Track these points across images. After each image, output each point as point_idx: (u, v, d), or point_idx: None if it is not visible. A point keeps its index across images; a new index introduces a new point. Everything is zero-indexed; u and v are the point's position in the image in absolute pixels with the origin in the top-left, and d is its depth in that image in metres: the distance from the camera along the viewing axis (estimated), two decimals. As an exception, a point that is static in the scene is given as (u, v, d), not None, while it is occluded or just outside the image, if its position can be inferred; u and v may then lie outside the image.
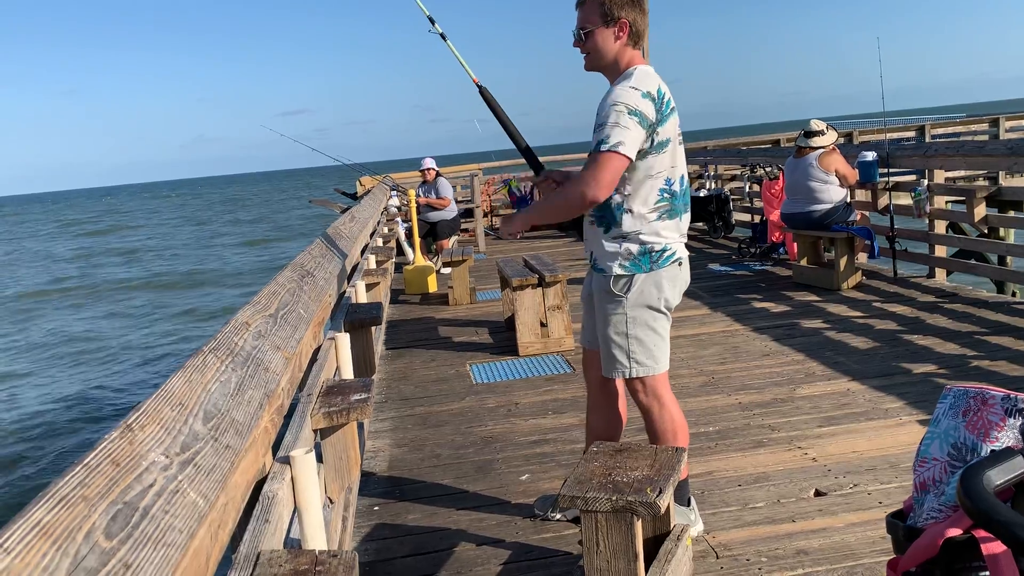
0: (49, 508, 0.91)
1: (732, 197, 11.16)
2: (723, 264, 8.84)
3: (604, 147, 2.58)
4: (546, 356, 5.74)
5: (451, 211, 10.57)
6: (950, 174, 10.16)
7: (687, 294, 7.03)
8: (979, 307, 6.06)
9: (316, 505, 1.89)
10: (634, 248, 2.72)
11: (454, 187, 12.00)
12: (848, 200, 7.20)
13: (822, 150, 7.07)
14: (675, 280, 2.78)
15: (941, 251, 7.41)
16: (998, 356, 4.82)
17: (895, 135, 16.58)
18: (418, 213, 9.84)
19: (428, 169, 10.54)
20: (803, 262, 7.48)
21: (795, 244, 7.72)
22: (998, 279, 9.55)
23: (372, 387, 2.51)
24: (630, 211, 2.70)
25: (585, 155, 2.78)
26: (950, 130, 17.67)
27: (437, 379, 5.41)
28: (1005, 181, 12.03)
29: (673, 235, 2.76)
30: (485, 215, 13.75)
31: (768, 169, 9.17)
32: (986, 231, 7.79)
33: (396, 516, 3.35)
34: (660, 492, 2.24)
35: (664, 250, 2.73)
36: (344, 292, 4.28)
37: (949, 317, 5.83)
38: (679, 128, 2.78)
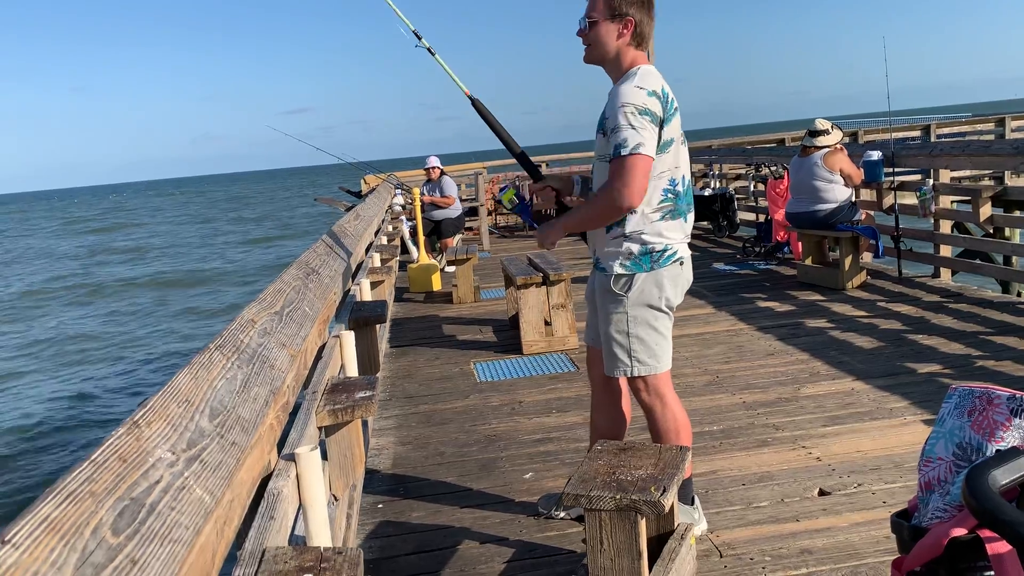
0: (57, 504, 0.91)
1: (737, 196, 11.15)
2: (727, 263, 8.83)
3: (625, 151, 2.57)
4: (550, 355, 5.74)
5: (455, 209, 10.58)
6: (955, 174, 10.12)
7: (691, 293, 7.05)
8: (984, 307, 6.05)
9: (321, 502, 1.89)
10: (635, 248, 2.72)
11: (459, 185, 12.00)
12: (853, 199, 7.18)
13: (827, 149, 7.06)
14: (676, 279, 2.78)
15: (946, 251, 7.39)
16: (1003, 356, 4.81)
17: (900, 134, 16.54)
18: (422, 211, 9.84)
19: (433, 167, 10.55)
20: (808, 261, 7.47)
21: (800, 243, 7.71)
22: (1003, 279, 9.52)
23: (377, 385, 2.52)
24: (632, 211, 2.70)
25: (589, 154, 2.79)
26: (955, 130, 17.63)
27: (441, 377, 5.41)
28: (1011, 181, 12.00)
29: (676, 235, 2.76)
30: (489, 214, 13.75)
31: (773, 168, 9.15)
32: (991, 231, 7.78)
33: (400, 514, 3.36)
34: (664, 491, 2.24)
35: (665, 250, 2.73)
36: (349, 290, 4.28)
37: (954, 317, 5.82)
38: (681, 128, 2.78)
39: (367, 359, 3.85)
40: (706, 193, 10.96)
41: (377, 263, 6.22)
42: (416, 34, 3.15)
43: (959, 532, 1.29)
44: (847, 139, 11.51)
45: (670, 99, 2.68)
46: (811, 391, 4.46)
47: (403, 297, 8.59)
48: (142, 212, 78.99)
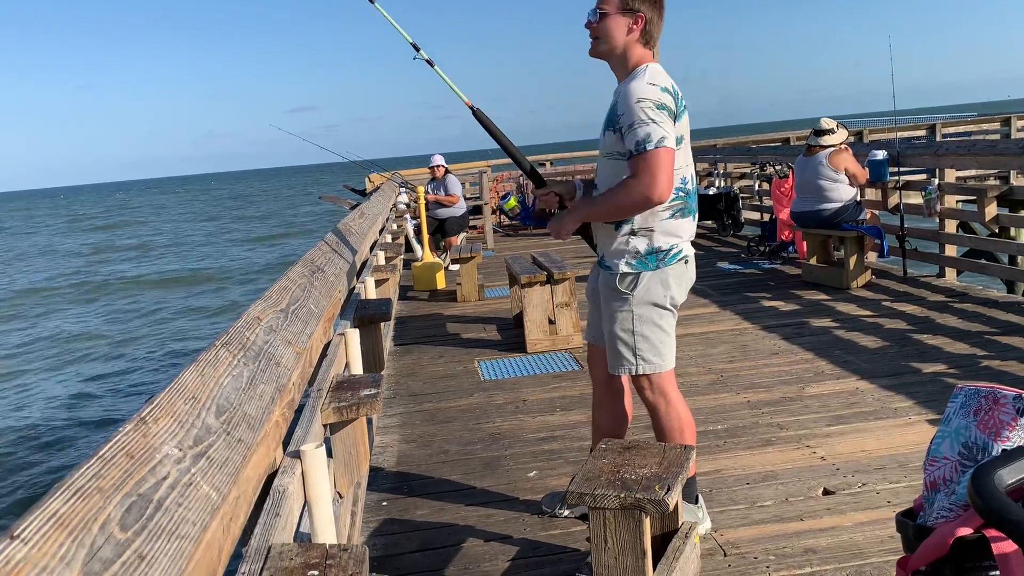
0: (65, 499, 0.92)
1: (741, 195, 11.14)
2: (732, 262, 8.82)
3: (651, 145, 2.56)
4: (554, 353, 5.74)
5: (460, 208, 10.58)
6: (961, 173, 10.11)
7: (696, 292, 7.05)
8: (989, 307, 6.03)
9: (326, 499, 1.90)
10: (642, 247, 2.72)
11: (463, 184, 12.00)
12: (858, 199, 7.17)
13: (832, 149, 7.05)
14: (681, 278, 2.79)
15: (951, 250, 7.37)
16: (1008, 356, 4.80)
17: (905, 134, 16.50)
18: (427, 210, 9.85)
19: (437, 166, 10.55)
20: (813, 261, 7.46)
21: (804, 243, 7.70)
22: (1009, 279, 9.50)
23: (381, 382, 2.52)
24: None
25: (592, 152, 2.79)
26: (961, 129, 17.58)
27: (445, 375, 5.42)
28: (1016, 180, 11.96)
29: (684, 234, 2.77)
30: (493, 212, 13.75)
31: (778, 167, 9.14)
32: (997, 231, 7.76)
33: (404, 511, 3.37)
34: (668, 490, 2.24)
35: (671, 248, 2.73)
36: (354, 288, 4.29)
37: (959, 317, 5.81)
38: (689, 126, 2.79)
39: (372, 357, 3.86)
40: (710, 192, 10.94)
41: (382, 261, 6.23)
42: (415, 46, 3.14)
43: (965, 532, 1.29)
44: (852, 138, 11.49)
45: (680, 96, 2.68)
46: (815, 390, 4.45)
47: (407, 295, 8.59)
48: (147, 210, 79.15)
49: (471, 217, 11.73)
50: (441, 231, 10.52)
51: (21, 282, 28.28)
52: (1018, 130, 16.46)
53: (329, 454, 2.35)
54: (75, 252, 39.10)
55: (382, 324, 4.39)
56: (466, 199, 11.19)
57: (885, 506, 3.07)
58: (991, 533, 1.24)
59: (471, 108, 3.00)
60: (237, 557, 1.45)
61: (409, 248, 10.42)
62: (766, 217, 10.09)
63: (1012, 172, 11.76)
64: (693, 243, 2.85)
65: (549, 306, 5.86)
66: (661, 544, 2.49)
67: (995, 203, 6.90)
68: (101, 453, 1.06)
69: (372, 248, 6.20)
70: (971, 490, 1.17)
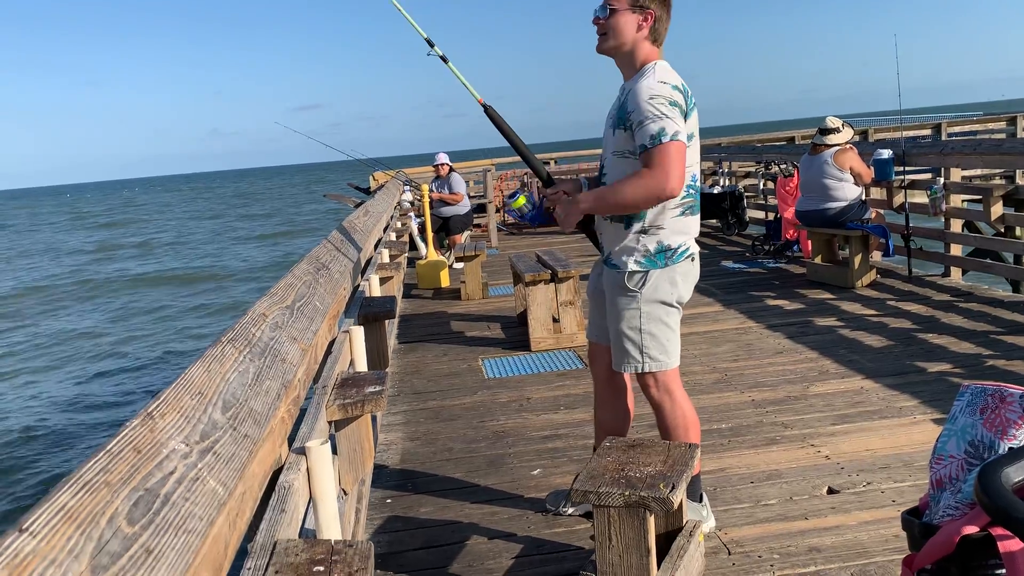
0: (73, 493, 0.92)
1: (746, 194, 11.12)
2: (737, 261, 8.81)
3: (665, 139, 2.56)
4: (558, 351, 5.74)
5: (464, 206, 10.58)
6: (966, 172, 10.09)
7: (700, 291, 7.04)
8: (995, 306, 6.02)
9: (331, 496, 1.90)
10: (651, 245, 2.72)
11: (467, 183, 12.00)
12: (863, 198, 7.16)
13: (838, 147, 7.03)
14: (688, 275, 2.79)
15: (956, 250, 7.36)
16: (1014, 355, 4.79)
17: (911, 133, 16.46)
18: (431, 208, 9.85)
19: (441, 164, 10.55)
20: (817, 260, 7.45)
21: (809, 242, 7.69)
22: (1014, 278, 9.47)
23: (386, 380, 2.52)
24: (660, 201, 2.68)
25: (597, 151, 2.78)
26: (967, 128, 17.53)
27: (449, 373, 5.42)
28: (1022, 180, 11.94)
29: (692, 231, 2.78)
30: (497, 211, 13.75)
31: (783, 166, 9.13)
32: (1002, 230, 7.74)
33: (408, 509, 3.37)
34: (673, 488, 2.24)
35: (679, 246, 2.74)
36: (358, 285, 4.29)
37: (964, 316, 5.79)
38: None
39: (376, 354, 3.86)
40: (715, 191, 10.93)
41: (386, 259, 6.23)
42: (429, 42, 3.13)
43: (971, 530, 1.29)
44: (857, 137, 11.47)
45: (689, 94, 2.68)
46: (820, 389, 4.45)
47: (411, 293, 8.60)
48: (151, 208, 79.30)
49: (475, 215, 11.73)
50: (445, 229, 10.52)
51: (26, 279, 28.35)
52: (1023, 130, 16.41)
53: (334, 451, 2.35)
54: (80, 249, 39.18)
55: (386, 322, 4.39)
56: (470, 197, 11.19)
57: (890, 505, 3.06)
58: (998, 531, 1.24)
59: (483, 105, 2.99)
60: (243, 553, 1.45)
61: (413, 246, 10.43)
62: (771, 216, 10.09)
63: (1018, 171, 11.73)
64: (697, 241, 2.86)
65: (553, 304, 5.86)
66: (665, 542, 2.49)
67: (1001, 202, 6.89)
68: (108, 447, 1.06)
69: (376, 246, 6.20)
70: (978, 488, 1.17)
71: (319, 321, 2.48)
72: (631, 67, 2.74)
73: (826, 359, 4.99)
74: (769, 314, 6.29)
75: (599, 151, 2.98)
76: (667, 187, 2.57)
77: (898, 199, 7.49)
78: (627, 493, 2.23)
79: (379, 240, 6.53)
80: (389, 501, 3.46)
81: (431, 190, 10.19)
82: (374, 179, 14.51)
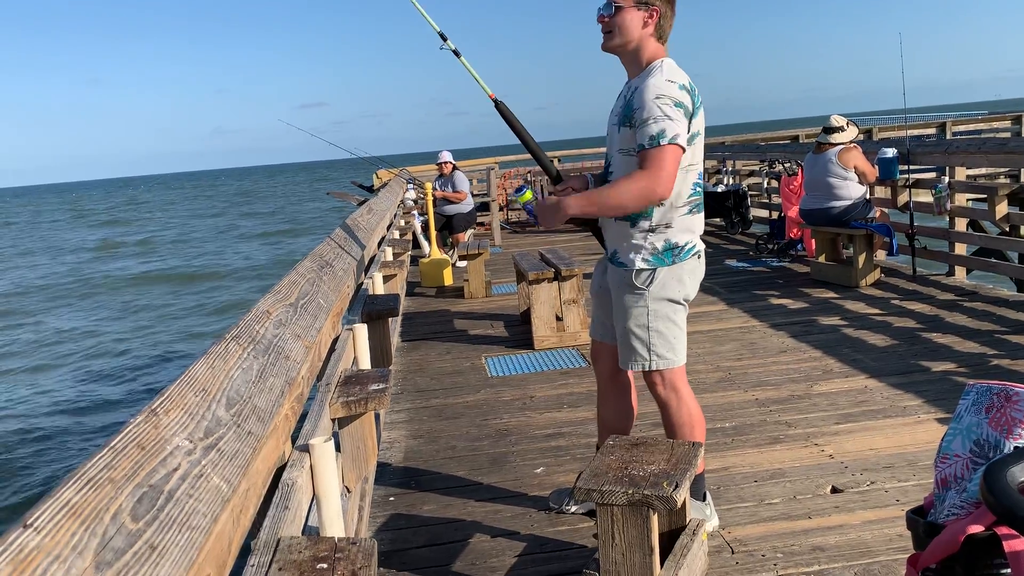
0: (77, 488, 0.92)
1: (750, 193, 11.10)
2: (740, 260, 8.80)
3: (665, 140, 2.56)
4: (561, 350, 5.74)
5: (467, 205, 10.58)
6: (971, 171, 10.06)
7: (705, 290, 7.03)
8: (999, 306, 6.00)
9: (335, 493, 1.90)
10: (659, 243, 2.72)
11: (471, 181, 12.00)
12: (868, 197, 7.14)
13: (842, 146, 7.02)
14: (694, 273, 2.79)
15: (961, 249, 7.34)
16: (1019, 355, 4.78)
17: (916, 132, 16.42)
18: (434, 206, 9.85)
19: (445, 163, 10.55)
20: (821, 259, 7.43)
21: (813, 240, 7.68)
22: (1019, 278, 9.44)
23: (390, 377, 2.52)
24: (661, 203, 2.68)
25: (601, 149, 2.78)
26: (972, 127, 17.49)
27: (452, 372, 5.42)
28: (1027, 179, 11.89)
29: (698, 229, 2.78)
30: (501, 209, 13.74)
31: (787, 165, 9.11)
32: (1007, 229, 7.71)
33: (411, 507, 3.37)
34: (676, 486, 2.24)
35: (686, 244, 2.74)
36: (362, 283, 4.29)
37: (968, 315, 5.78)
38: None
39: (380, 352, 3.87)
40: (719, 189, 10.91)
41: (389, 257, 6.23)
42: (442, 35, 3.13)
43: (976, 529, 1.28)
44: (862, 136, 11.44)
45: (696, 93, 2.68)
46: (824, 388, 4.44)
47: (415, 292, 8.60)
48: (154, 206, 79.39)
49: (478, 214, 11.72)
50: (448, 227, 10.52)
51: (28, 278, 28.39)
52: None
53: (337, 448, 2.36)
54: (82, 247, 39.24)
55: (390, 319, 4.39)
56: (473, 196, 11.18)
57: (894, 504, 3.06)
58: (1003, 531, 1.23)
59: (494, 100, 2.99)
60: (246, 550, 1.45)
61: (416, 244, 10.43)
62: (775, 215, 10.06)
63: (1022, 170, 11.69)
64: (701, 239, 2.86)
65: (556, 303, 5.86)
66: (668, 541, 2.49)
67: (1005, 201, 6.87)
68: (113, 444, 1.06)
69: (380, 244, 6.20)
70: (983, 487, 1.17)
71: (323, 319, 2.48)
72: (637, 65, 2.73)
73: (830, 358, 4.98)
74: (773, 313, 6.28)
75: (603, 149, 2.98)
76: (657, 190, 2.57)
77: (902, 198, 7.47)
78: (630, 491, 2.22)
79: (383, 238, 6.53)
80: (392, 499, 3.46)
81: (434, 188, 10.19)
82: (377, 177, 14.51)
